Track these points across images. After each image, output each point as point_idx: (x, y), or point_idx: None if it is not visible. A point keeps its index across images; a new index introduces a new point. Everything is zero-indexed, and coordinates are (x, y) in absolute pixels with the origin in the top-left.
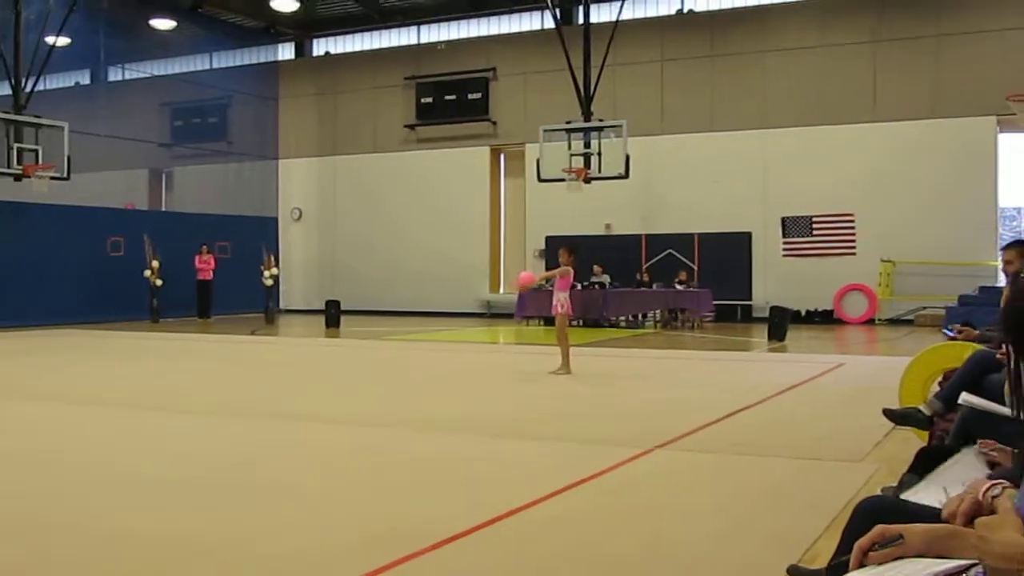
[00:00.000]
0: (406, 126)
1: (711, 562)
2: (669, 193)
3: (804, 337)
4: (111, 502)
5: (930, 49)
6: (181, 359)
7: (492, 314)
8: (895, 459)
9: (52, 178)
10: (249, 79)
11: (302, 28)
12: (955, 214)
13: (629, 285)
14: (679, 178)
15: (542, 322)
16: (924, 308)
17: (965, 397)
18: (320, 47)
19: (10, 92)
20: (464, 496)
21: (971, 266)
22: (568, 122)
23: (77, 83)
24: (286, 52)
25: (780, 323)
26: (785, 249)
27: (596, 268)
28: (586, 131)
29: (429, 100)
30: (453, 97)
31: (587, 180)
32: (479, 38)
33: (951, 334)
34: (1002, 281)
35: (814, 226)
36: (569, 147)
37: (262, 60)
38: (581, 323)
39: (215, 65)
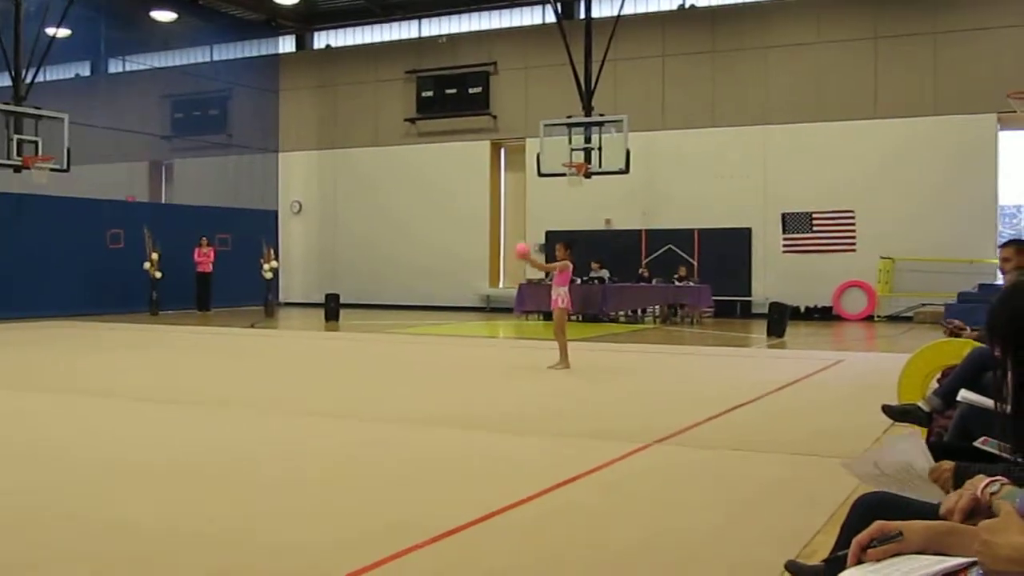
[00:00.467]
0: (407, 120)
1: (709, 557)
2: (669, 188)
3: (803, 333)
4: (110, 493)
5: (931, 46)
6: (180, 352)
7: (491, 308)
8: None
9: (52, 170)
10: (250, 72)
11: (303, 21)
12: (955, 211)
13: (629, 280)
14: (680, 173)
15: (541, 317)
16: (923, 305)
17: (964, 394)
18: (321, 40)
19: (10, 83)
20: (463, 490)
21: (971, 263)
22: (569, 117)
23: (77, 75)
24: (287, 45)
25: (779, 319)
26: (785, 245)
27: (594, 265)
28: (587, 126)
29: (430, 94)
30: (454, 91)
31: (587, 175)
32: (480, 32)
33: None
34: (1001, 280)
35: (814, 222)
36: (570, 142)
37: (263, 53)
38: (580, 318)
39: (216, 57)
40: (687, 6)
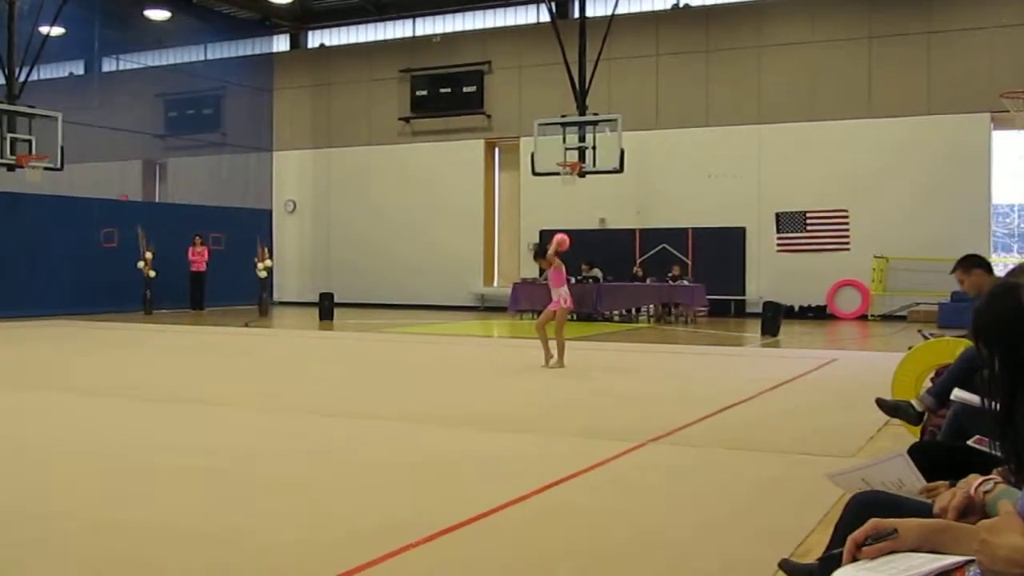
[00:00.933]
0: (401, 119)
1: (704, 556)
2: (664, 188)
3: (797, 332)
4: (105, 492)
5: (925, 46)
6: (174, 351)
7: (486, 307)
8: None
9: (45, 168)
10: (244, 70)
11: (297, 20)
12: (949, 211)
13: (623, 280)
14: (674, 173)
15: (536, 316)
16: (917, 304)
17: (957, 393)
18: (315, 39)
19: (3, 82)
20: (457, 489)
21: None
22: (563, 116)
23: (71, 73)
24: (281, 44)
25: (773, 318)
26: (779, 244)
27: (584, 266)
28: (581, 125)
29: (424, 93)
30: (448, 90)
31: (582, 174)
32: (474, 31)
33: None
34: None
35: (808, 222)
36: (564, 141)
37: (257, 52)
38: (575, 317)
39: (210, 56)
40: (681, 5)
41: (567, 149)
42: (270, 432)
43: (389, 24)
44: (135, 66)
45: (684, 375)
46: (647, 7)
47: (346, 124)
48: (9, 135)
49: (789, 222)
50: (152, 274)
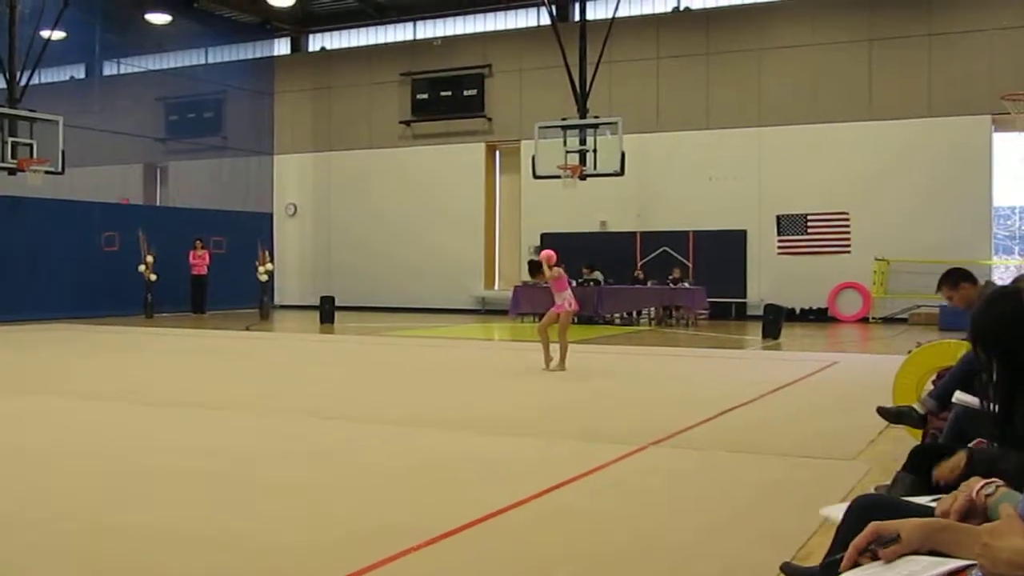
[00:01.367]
0: (401, 122)
1: (705, 559)
2: (664, 190)
3: (798, 335)
4: (105, 495)
5: (926, 48)
6: (175, 354)
7: (486, 311)
8: (889, 457)
9: (46, 172)
10: (244, 74)
11: (298, 23)
12: (950, 213)
13: (624, 282)
14: (674, 175)
15: (537, 319)
16: (918, 307)
17: (959, 396)
18: (316, 42)
19: (4, 86)
20: (458, 492)
21: (965, 265)
22: (564, 119)
23: (72, 77)
24: (282, 47)
25: (774, 321)
26: (780, 247)
27: (584, 270)
28: (581, 128)
29: (425, 96)
30: (449, 93)
31: (582, 177)
32: (475, 34)
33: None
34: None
35: (809, 224)
36: (564, 144)
37: (258, 55)
38: (576, 320)
39: (210, 60)
40: (682, 8)
41: (568, 152)
42: (270, 435)
43: (390, 27)
44: (136, 70)
45: (685, 378)
46: (648, 10)
47: (347, 127)
48: (10, 139)
49: (790, 225)
50: (153, 278)
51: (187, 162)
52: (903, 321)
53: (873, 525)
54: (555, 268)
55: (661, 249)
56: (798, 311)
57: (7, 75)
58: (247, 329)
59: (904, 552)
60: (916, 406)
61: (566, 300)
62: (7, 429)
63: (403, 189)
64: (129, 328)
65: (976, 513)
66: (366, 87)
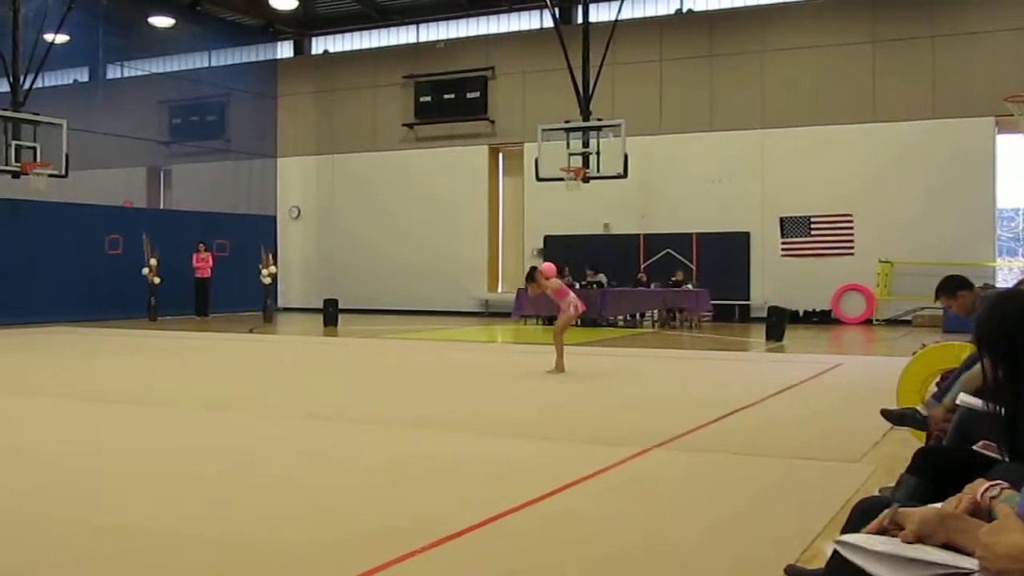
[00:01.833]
0: (404, 125)
1: (709, 561)
2: (667, 193)
3: (802, 337)
4: (107, 497)
5: (929, 50)
6: (179, 357)
7: (490, 313)
8: (893, 459)
9: (50, 175)
10: (248, 77)
11: (301, 26)
12: (953, 215)
13: (627, 285)
14: (678, 178)
15: (541, 321)
16: (922, 309)
17: (963, 398)
18: (319, 45)
19: (8, 89)
20: (462, 494)
21: (969, 267)
22: (567, 121)
23: (75, 80)
24: (285, 50)
25: (778, 323)
26: (783, 249)
27: (588, 271)
28: (585, 130)
29: (428, 99)
30: (452, 96)
31: (585, 179)
32: (478, 37)
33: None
34: (1001, 283)
35: (812, 226)
36: (568, 146)
37: (261, 58)
38: (579, 322)
39: (214, 63)
40: (685, 11)
41: (571, 154)
42: (272, 436)
43: (392, 30)
44: (139, 73)
45: (689, 380)
46: (651, 12)
47: (350, 130)
48: (14, 142)
49: (793, 226)
50: (157, 281)
51: (190, 165)
52: (907, 323)
53: (894, 507)
54: (553, 280)
55: (664, 251)
56: (802, 313)
57: (11, 78)
58: (251, 332)
59: (920, 534)
60: (920, 408)
61: (571, 304)
62: (9, 431)
63: (406, 192)
64: (132, 331)
65: (980, 515)
66: (369, 90)
